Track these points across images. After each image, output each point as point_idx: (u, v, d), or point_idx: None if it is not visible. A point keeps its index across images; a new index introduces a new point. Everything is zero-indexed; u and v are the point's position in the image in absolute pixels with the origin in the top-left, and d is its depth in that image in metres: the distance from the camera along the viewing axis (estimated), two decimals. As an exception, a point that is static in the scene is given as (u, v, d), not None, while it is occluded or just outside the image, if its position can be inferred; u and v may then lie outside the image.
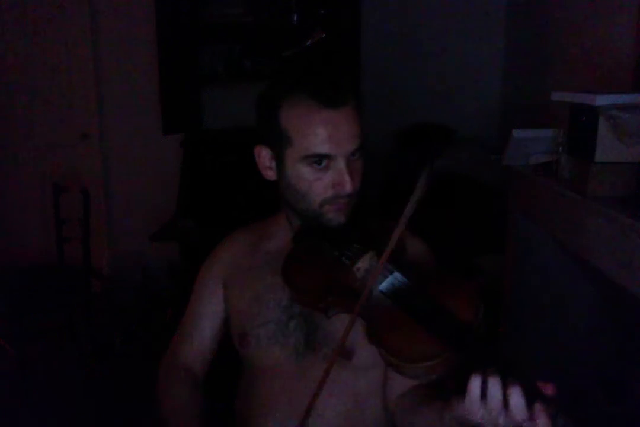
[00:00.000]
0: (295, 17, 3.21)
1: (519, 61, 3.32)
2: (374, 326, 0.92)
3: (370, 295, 0.92)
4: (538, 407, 0.73)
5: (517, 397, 0.74)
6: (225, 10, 3.29)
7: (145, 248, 3.46)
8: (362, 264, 0.96)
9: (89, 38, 3.59)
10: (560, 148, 1.77)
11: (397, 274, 0.93)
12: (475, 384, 0.77)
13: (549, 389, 0.74)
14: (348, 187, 1.00)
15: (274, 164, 1.06)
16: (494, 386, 0.75)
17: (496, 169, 2.33)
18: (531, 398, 0.74)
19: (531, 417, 0.73)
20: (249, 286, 1.15)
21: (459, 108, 3.50)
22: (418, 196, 0.88)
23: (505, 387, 0.75)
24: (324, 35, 3.01)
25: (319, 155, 0.99)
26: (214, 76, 3.42)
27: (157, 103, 3.30)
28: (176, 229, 3.07)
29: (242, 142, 1.13)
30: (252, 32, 3.34)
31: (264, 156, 1.07)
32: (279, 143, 1.02)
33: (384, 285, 0.93)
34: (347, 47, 3.24)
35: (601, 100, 1.50)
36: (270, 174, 1.08)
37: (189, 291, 1.29)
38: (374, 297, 0.92)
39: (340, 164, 1.00)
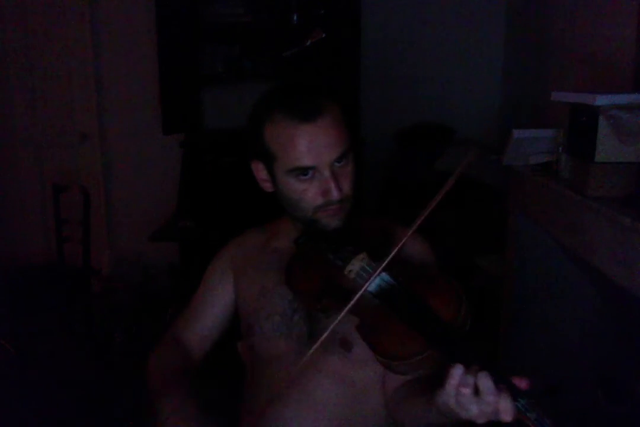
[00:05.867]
0: (295, 17, 3.21)
1: (519, 61, 3.32)
2: (364, 324, 0.96)
3: (361, 295, 0.95)
4: (502, 391, 0.79)
5: (485, 382, 0.80)
6: (225, 10, 3.29)
7: (145, 248, 3.46)
8: (353, 266, 0.99)
9: (89, 38, 3.59)
10: (560, 148, 1.77)
11: (384, 275, 0.96)
12: (456, 371, 0.82)
13: (523, 383, 0.80)
14: (335, 194, 1.05)
15: (268, 176, 1.13)
16: (469, 374, 0.81)
17: (496, 169, 2.34)
18: (501, 385, 0.80)
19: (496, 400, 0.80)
20: (258, 280, 1.21)
21: (459, 108, 3.50)
22: (433, 206, 0.93)
23: (476, 374, 0.81)
24: (324, 35, 3.01)
25: (302, 168, 1.06)
26: (214, 76, 3.42)
27: (157, 103, 3.30)
28: (176, 229, 3.07)
29: (242, 143, 1.16)
30: (252, 32, 3.34)
31: (260, 170, 1.14)
32: (267, 159, 1.10)
33: (372, 286, 0.96)
34: (347, 47, 3.24)
35: (601, 100, 1.50)
36: (268, 186, 1.15)
37: (188, 291, 1.32)
38: (364, 297, 0.95)
39: (325, 173, 1.05)
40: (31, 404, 2.64)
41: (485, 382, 0.80)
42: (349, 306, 0.92)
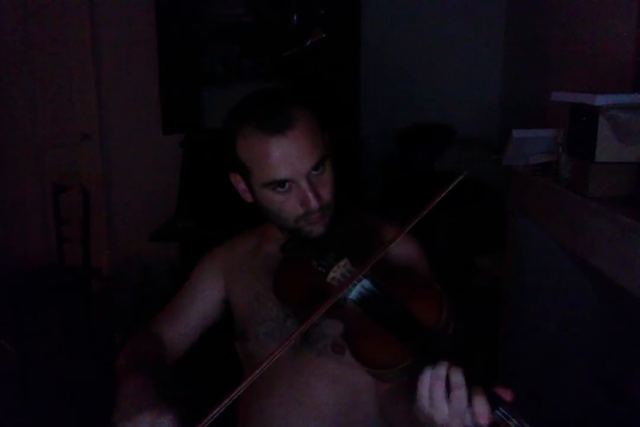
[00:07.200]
0: (295, 17, 3.21)
1: (519, 61, 3.32)
2: (348, 331, 0.95)
3: (345, 303, 0.95)
4: (477, 398, 0.79)
5: (456, 375, 0.80)
6: (225, 10, 3.29)
7: (145, 248, 3.46)
8: (335, 273, 0.99)
9: (89, 38, 3.60)
10: (560, 148, 1.77)
11: (365, 282, 0.95)
12: (424, 380, 0.82)
13: (507, 395, 0.79)
14: (314, 204, 1.03)
15: (247, 188, 1.11)
16: (438, 382, 0.81)
17: (496, 169, 2.33)
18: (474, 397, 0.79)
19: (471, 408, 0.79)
20: (250, 286, 1.20)
21: (459, 108, 3.50)
22: (421, 216, 0.93)
23: (449, 385, 0.81)
24: (324, 35, 3.01)
25: (277, 181, 1.03)
26: (214, 76, 3.42)
27: (157, 103, 3.30)
28: (176, 229, 3.07)
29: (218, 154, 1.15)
30: (252, 32, 3.34)
31: (238, 182, 1.12)
32: (242, 172, 1.08)
33: (353, 293, 0.95)
34: (347, 47, 3.24)
35: (601, 100, 1.50)
36: (248, 196, 1.13)
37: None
38: (347, 305, 0.95)
39: (302, 183, 1.03)
40: (31, 404, 2.64)
41: (456, 375, 0.80)
42: (321, 311, 0.91)
